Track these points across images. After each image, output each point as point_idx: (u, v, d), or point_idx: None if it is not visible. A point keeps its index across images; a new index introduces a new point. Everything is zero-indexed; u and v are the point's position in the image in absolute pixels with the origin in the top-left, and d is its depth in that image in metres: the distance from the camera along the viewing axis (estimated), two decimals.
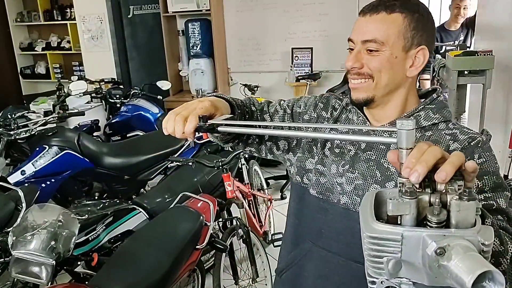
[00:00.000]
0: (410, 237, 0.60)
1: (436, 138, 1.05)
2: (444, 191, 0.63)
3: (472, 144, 1.01)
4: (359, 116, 1.14)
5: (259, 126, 1.16)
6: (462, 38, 4.26)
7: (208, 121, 0.94)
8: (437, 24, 4.37)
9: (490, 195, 0.95)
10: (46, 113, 3.32)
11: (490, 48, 2.85)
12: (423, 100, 1.12)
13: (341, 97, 1.23)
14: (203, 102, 0.98)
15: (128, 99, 4.30)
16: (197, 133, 0.96)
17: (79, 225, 1.92)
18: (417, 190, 0.63)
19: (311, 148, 1.18)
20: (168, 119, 0.97)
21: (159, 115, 4.25)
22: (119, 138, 4.17)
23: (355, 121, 1.14)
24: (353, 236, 1.04)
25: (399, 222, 0.62)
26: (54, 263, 1.73)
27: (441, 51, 4.17)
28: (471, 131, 1.06)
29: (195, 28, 4.85)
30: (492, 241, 0.59)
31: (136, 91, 4.37)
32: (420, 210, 0.62)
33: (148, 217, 2.42)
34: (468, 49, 3.22)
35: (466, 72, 2.82)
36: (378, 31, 1.01)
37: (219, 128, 0.94)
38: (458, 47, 3.34)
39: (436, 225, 0.60)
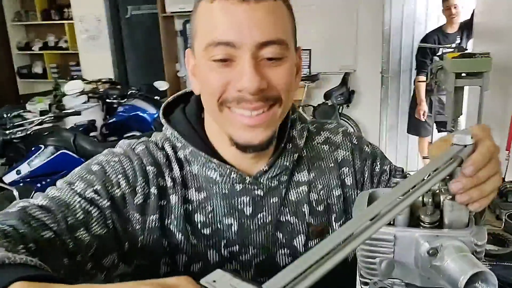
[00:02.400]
0: (403, 238, 0.59)
1: (315, 154, 0.86)
2: (437, 191, 0.62)
3: (353, 141, 0.90)
4: (229, 173, 0.76)
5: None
6: (458, 40, 4.27)
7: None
8: (435, 27, 4.39)
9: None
10: (42, 113, 3.31)
11: (488, 50, 2.85)
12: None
13: (158, 140, 0.81)
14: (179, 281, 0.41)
15: (125, 100, 4.29)
16: None
17: None
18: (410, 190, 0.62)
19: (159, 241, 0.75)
20: None
21: (156, 115, 4.24)
22: (116, 138, 4.15)
23: (219, 180, 0.77)
24: None
25: (392, 223, 0.62)
26: None
27: (438, 54, 4.17)
28: (335, 125, 0.93)
29: None
30: (485, 241, 0.58)
31: (133, 91, 4.35)
32: (413, 210, 0.61)
33: None
34: (465, 51, 3.22)
35: (463, 74, 2.82)
36: (278, 26, 0.69)
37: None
38: (456, 49, 3.34)
39: (429, 226, 0.59)
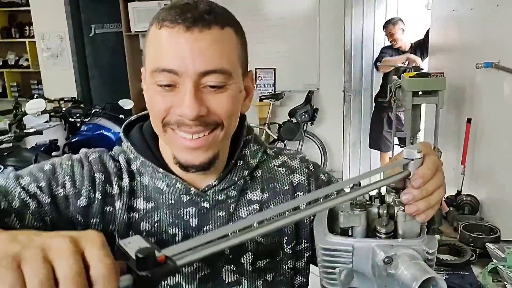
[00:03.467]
0: (361, 248, 0.63)
1: (271, 176, 0.88)
2: (391, 203, 0.66)
3: (309, 167, 0.92)
4: (174, 183, 0.78)
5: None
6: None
7: (161, 251, 0.46)
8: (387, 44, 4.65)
9: None
10: (2, 132, 3.21)
11: (443, 69, 2.99)
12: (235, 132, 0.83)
13: (112, 154, 0.84)
14: (82, 236, 0.44)
15: (89, 118, 4.23)
16: None
17: None
18: (367, 202, 0.66)
19: None
20: None
21: None
22: None
23: (166, 190, 0.79)
24: None
25: (350, 234, 0.65)
26: None
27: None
28: (294, 152, 0.95)
29: None
30: (436, 249, 0.63)
31: (97, 110, 4.30)
32: (370, 222, 0.65)
33: None
34: (421, 71, 3.37)
35: (420, 93, 2.94)
36: (222, 56, 0.70)
37: (183, 261, 0.48)
38: (412, 69, 3.49)
39: (384, 236, 0.63)
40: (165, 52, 0.69)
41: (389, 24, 4.51)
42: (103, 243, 0.44)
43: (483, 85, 2.65)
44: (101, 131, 4.14)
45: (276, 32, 4.85)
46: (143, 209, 0.79)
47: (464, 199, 2.45)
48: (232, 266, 0.80)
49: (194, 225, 0.79)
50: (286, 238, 0.85)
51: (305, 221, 0.88)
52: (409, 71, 3.34)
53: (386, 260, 0.60)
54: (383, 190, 0.71)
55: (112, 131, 4.18)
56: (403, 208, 0.63)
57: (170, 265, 0.46)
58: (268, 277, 0.83)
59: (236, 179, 0.82)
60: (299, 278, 0.90)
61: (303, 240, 0.88)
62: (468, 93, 2.90)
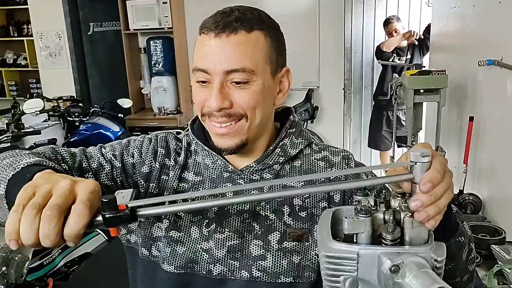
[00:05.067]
0: (366, 255, 0.60)
1: (308, 167, 0.94)
2: (398, 208, 0.63)
3: (351, 165, 0.96)
4: (216, 160, 0.92)
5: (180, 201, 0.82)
6: (409, 56, 4.52)
7: (128, 203, 0.62)
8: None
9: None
10: (0, 132, 3.19)
11: (445, 66, 2.97)
12: (281, 124, 0.97)
13: (179, 136, 1.00)
14: (83, 181, 0.64)
15: (88, 117, 4.20)
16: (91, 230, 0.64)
17: (32, 249, 1.84)
18: (372, 208, 0.64)
19: None
20: (18, 220, 0.60)
21: (120, 133, 4.17)
22: None
23: (210, 166, 0.93)
24: None
25: (355, 241, 0.62)
26: None
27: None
28: (338, 149, 1.00)
29: (157, 46, 4.82)
30: (444, 257, 0.60)
31: (96, 109, 4.27)
32: (375, 228, 0.62)
33: (107, 238, 2.34)
34: (423, 69, 3.34)
35: (421, 91, 2.92)
36: (245, 56, 0.81)
37: (142, 212, 0.63)
38: (414, 67, 3.46)
39: (390, 243, 0.60)
40: (201, 55, 0.83)
41: (389, 23, 4.49)
42: (92, 189, 0.62)
43: (485, 83, 2.62)
44: (100, 130, 4.11)
45: None
46: (191, 181, 0.94)
47: (467, 198, 2.43)
48: (260, 241, 0.88)
49: None
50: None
51: None
52: (408, 69, 3.32)
53: (392, 268, 0.58)
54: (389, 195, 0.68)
55: (111, 130, 4.15)
56: (410, 214, 0.60)
57: (126, 212, 0.61)
58: (295, 259, 0.88)
59: (271, 163, 0.92)
60: None
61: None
62: (470, 91, 2.88)
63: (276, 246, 0.87)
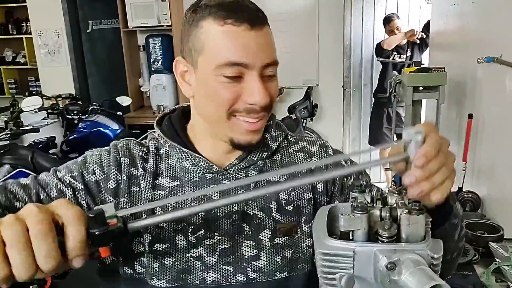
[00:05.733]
0: (362, 253, 0.60)
1: (289, 160, 0.94)
2: (394, 205, 0.63)
3: (329, 153, 0.97)
4: (198, 161, 0.87)
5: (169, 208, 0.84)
6: (409, 54, 4.51)
7: (117, 213, 0.57)
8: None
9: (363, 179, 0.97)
10: None
11: (444, 64, 2.96)
12: None
13: (142, 142, 0.93)
14: (60, 202, 0.57)
15: (87, 115, 4.20)
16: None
17: None
18: (369, 205, 0.63)
19: None
20: (4, 258, 0.51)
21: (119, 131, 4.16)
22: (77, 155, 4.03)
23: (190, 168, 0.87)
24: None
25: (351, 238, 0.62)
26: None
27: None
28: (314, 138, 1.01)
29: (156, 44, 4.81)
30: (441, 254, 0.60)
31: (95, 107, 4.27)
32: (372, 225, 0.62)
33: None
34: (422, 66, 3.34)
35: (420, 88, 2.91)
36: (274, 49, 0.83)
37: (135, 224, 0.58)
38: (413, 64, 3.46)
39: (387, 240, 0.60)
40: (234, 47, 0.78)
41: (390, 21, 4.47)
42: (66, 202, 0.57)
43: (484, 80, 2.61)
44: (99, 128, 4.11)
45: (275, 27, 4.74)
46: (168, 187, 0.87)
47: (466, 195, 2.43)
48: (251, 241, 0.86)
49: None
50: (304, 218, 0.90)
51: (323, 202, 0.92)
52: (408, 66, 3.31)
53: (389, 265, 0.57)
54: (386, 191, 0.68)
55: (110, 128, 4.15)
56: (407, 210, 0.60)
57: (119, 226, 0.54)
58: (287, 254, 0.87)
59: (255, 159, 0.90)
60: None
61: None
62: (469, 88, 2.87)
63: (268, 244, 0.86)
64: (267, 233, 0.87)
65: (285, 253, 0.87)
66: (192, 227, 0.85)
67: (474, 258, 1.48)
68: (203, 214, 0.85)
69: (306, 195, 0.91)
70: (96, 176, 0.85)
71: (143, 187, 0.86)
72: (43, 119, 4.26)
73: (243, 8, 0.79)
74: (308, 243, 0.90)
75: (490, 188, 2.53)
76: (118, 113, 4.31)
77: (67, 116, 4.17)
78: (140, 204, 0.85)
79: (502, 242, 1.52)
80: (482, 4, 2.66)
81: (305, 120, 4.80)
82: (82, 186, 0.84)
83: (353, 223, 0.60)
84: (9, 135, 3.05)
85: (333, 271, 0.61)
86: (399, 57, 4.53)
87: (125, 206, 0.85)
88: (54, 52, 5.28)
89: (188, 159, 0.88)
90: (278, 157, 0.93)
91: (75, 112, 4.18)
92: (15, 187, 0.80)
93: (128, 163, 0.87)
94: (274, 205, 0.88)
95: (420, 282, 0.54)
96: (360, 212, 0.60)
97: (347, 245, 0.60)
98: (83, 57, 5.38)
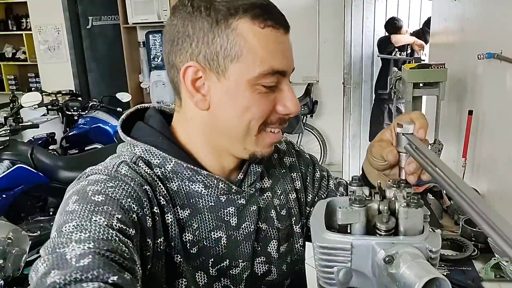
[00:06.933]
0: (360, 246, 0.59)
1: (267, 162, 0.88)
2: (392, 198, 0.63)
3: (295, 148, 0.95)
4: (217, 183, 0.75)
5: None
6: (409, 51, 4.53)
7: None
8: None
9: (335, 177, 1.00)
10: None
11: (444, 60, 2.95)
12: None
13: (127, 159, 0.72)
14: None
15: (86, 112, 4.20)
16: None
17: (30, 242, 1.84)
18: (367, 198, 0.63)
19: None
20: None
21: None
22: (77, 151, 4.04)
23: (204, 192, 0.75)
24: None
25: (349, 231, 0.62)
26: (3, 283, 1.65)
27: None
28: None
29: (156, 40, 4.81)
30: (439, 247, 0.59)
31: (95, 103, 4.27)
32: (370, 218, 0.61)
33: None
34: (422, 62, 3.33)
35: (421, 85, 2.90)
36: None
37: None
38: (413, 60, 3.45)
39: (385, 233, 0.59)
40: (277, 54, 0.70)
41: (401, 26, 4.51)
42: None
43: (485, 76, 2.61)
44: (99, 124, 4.11)
45: None
46: (182, 219, 0.73)
47: None
48: (262, 257, 0.81)
49: (234, 225, 0.77)
50: (294, 218, 0.89)
51: (302, 199, 0.92)
52: (409, 62, 3.30)
53: (386, 259, 0.57)
54: (384, 185, 0.67)
55: (109, 124, 4.15)
56: (405, 203, 0.60)
57: None
58: (288, 259, 0.85)
59: (259, 169, 0.83)
60: (306, 254, 0.93)
61: (307, 219, 0.93)
62: (469, 85, 2.86)
63: (276, 255, 0.82)
64: (273, 244, 0.82)
65: (287, 259, 0.85)
66: (212, 259, 0.75)
67: (473, 253, 1.48)
68: (224, 242, 0.75)
69: (291, 195, 0.90)
70: (136, 212, 0.65)
71: (171, 222, 0.71)
72: (43, 115, 4.26)
73: (275, 8, 0.71)
74: (301, 242, 0.89)
75: (490, 184, 2.52)
76: (118, 109, 4.31)
77: (67, 112, 4.18)
78: (166, 243, 0.70)
79: None
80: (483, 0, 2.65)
81: (305, 117, 4.79)
82: (134, 232, 0.62)
83: (351, 216, 0.60)
84: (8, 131, 3.05)
85: (331, 265, 0.61)
86: (400, 54, 4.53)
87: (162, 248, 0.69)
88: (54, 48, 5.28)
89: (200, 182, 0.74)
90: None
91: (75, 108, 4.18)
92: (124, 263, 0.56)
93: (151, 191, 0.69)
94: (274, 213, 0.85)
95: (418, 275, 0.53)
96: (358, 206, 0.60)
97: (345, 238, 0.60)
98: (83, 53, 5.38)
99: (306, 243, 0.91)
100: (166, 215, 0.70)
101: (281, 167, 0.91)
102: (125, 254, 0.57)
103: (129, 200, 0.65)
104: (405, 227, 0.59)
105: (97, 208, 0.61)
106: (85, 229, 0.58)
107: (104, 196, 0.64)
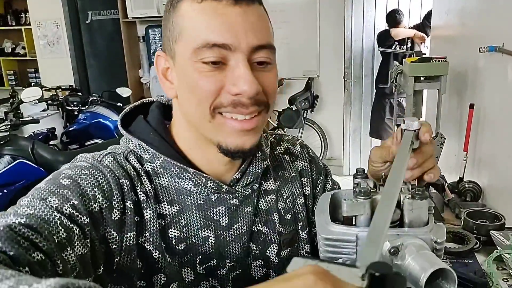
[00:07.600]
0: (365, 238, 0.59)
1: (278, 164, 0.86)
2: None
3: (310, 153, 0.92)
4: (206, 181, 0.73)
5: None
6: (409, 45, 4.52)
7: None
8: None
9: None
10: None
11: (445, 54, 2.94)
12: None
13: (122, 153, 0.73)
14: None
15: (87, 107, 4.19)
16: None
17: None
18: (372, 190, 0.63)
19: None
20: None
21: None
22: (77, 146, 4.04)
23: (193, 190, 0.73)
24: None
25: (354, 223, 0.62)
26: None
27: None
28: (291, 138, 0.94)
29: (155, 34, 4.80)
30: (444, 239, 0.59)
31: (95, 98, 4.26)
32: (374, 210, 0.61)
33: None
34: (423, 56, 3.32)
35: (422, 78, 2.90)
36: (268, 31, 0.68)
37: None
38: (414, 54, 3.44)
39: (390, 225, 0.59)
40: (215, 26, 0.64)
41: (401, 21, 4.48)
42: None
43: (486, 70, 2.60)
44: (99, 119, 4.10)
45: (275, 17, 4.77)
46: (169, 214, 0.73)
47: (466, 185, 2.42)
48: (260, 261, 0.79)
49: (224, 225, 0.76)
50: (301, 224, 0.86)
51: (310, 206, 0.89)
52: (409, 56, 3.29)
53: (392, 250, 0.57)
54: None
55: (110, 119, 4.14)
56: (410, 195, 0.59)
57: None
58: None
59: (259, 171, 0.79)
60: None
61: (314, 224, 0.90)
62: (471, 78, 2.86)
63: (276, 259, 0.80)
64: (273, 248, 0.80)
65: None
66: (200, 257, 0.74)
67: (475, 246, 1.48)
68: (212, 241, 0.74)
69: (299, 200, 0.87)
70: (98, 203, 0.65)
71: (150, 217, 0.70)
72: (43, 110, 4.25)
73: None
74: (307, 249, 0.86)
75: (491, 177, 2.52)
76: (118, 104, 4.30)
77: (67, 107, 4.17)
78: (143, 238, 0.70)
79: (503, 230, 1.52)
80: None
81: (305, 111, 4.78)
82: (88, 220, 0.63)
83: (356, 208, 0.60)
84: (9, 126, 3.05)
85: (336, 257, 0.61)
86: (400, 48, 4.51)
87: (133, 243, 0.68)
88: (53, 43, 5.26)
89: (189, 179, 0.73)
90: (268, 162, 0.83)
91: (75, 103, 4.17)
92: (24, 230, 0.55)
93: (129, 185, 0.69)
94: (276, 217, 0.82)
95: (423, 266, 0.53)
96: (363, 197, 0.60)
97: (350, 230, 0.60)
98: (82, 48, 5.37)
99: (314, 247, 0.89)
100: (145, 210, 0.70)
101: (291, 170, 0.88)
102: (54, 237, 0.57)
103: (96, 190, 0.66)
104: (410, 219, 0.60)
105: (58, 190, 0.63)
106: (32, 206, 0.60)
107: (71, 180, 0.65)
